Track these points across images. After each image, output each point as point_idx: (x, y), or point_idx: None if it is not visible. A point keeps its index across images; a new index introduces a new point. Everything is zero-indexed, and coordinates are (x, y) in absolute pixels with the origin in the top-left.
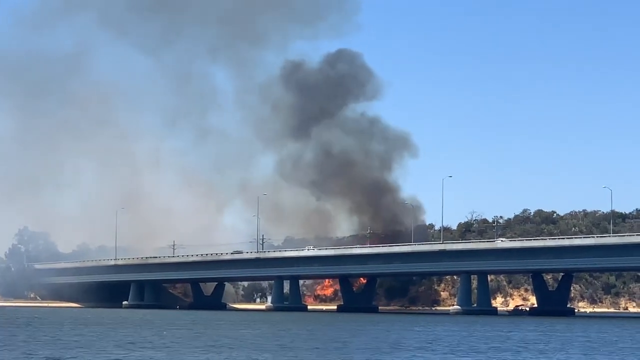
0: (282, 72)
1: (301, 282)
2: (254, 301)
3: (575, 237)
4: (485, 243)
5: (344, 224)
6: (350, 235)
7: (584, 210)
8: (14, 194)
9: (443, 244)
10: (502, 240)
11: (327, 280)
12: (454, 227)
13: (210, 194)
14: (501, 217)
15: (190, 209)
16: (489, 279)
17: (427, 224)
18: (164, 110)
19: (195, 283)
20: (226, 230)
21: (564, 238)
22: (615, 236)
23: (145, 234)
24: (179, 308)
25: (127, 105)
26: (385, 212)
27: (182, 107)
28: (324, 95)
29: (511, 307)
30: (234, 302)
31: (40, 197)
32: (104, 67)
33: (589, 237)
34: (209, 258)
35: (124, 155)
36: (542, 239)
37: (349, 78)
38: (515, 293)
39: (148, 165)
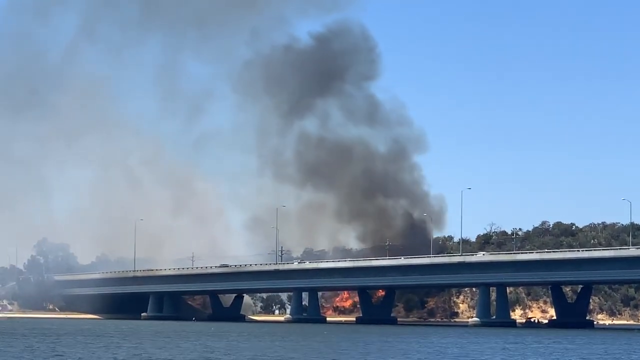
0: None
1: (320, 293)
2: (273, 313)
3: (595, 250)
4: (504, 255)
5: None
6: (368, 247)
7: (603, 223)
8: (31, 204)
9: (462, 256)
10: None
11: (345, 292)
12: (473, 239)
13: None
14: (520, 229)
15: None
16: (507, 291)
17: (446, 235)
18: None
19: (213, 295)
20: (244, 241)
21: (583, 250)
22: (635, 248)
23: (164, 245)
24: (195, 320)
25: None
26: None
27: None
28: None
29: (524, 319)
30: (253, 314)
31: (58, 208)
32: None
33: (608, 249)
34: (227, 270)
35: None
36: (561, 251)
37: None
38: (534, 305)
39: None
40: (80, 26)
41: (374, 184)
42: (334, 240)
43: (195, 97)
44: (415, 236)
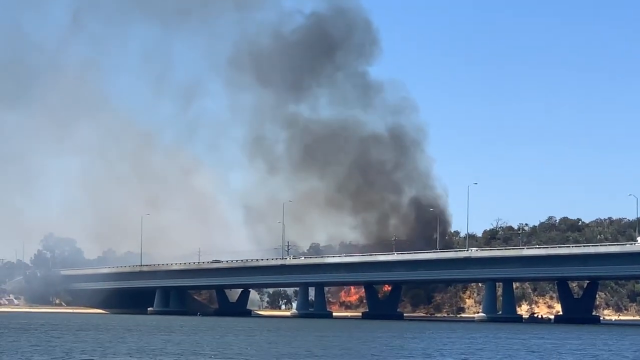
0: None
1: (326, 288)
2: (279, 308)
3: (601, 245)
4: (511, 250)
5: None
6: (375, 243)
7: (609, 218)
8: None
9: (468, 252)
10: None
11: (352, 287)
12: (479, 234)
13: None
14: (526, 224)
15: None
16: (514, 286)
17: (452, 230)
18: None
19: (220, 290)
20: (249, 236)
21: (589, 246)
22: None
23: (170, 240)
24: (200, 315)
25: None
26: (410, 219)
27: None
28: None
29: (526, 314)
30: (259, 309)
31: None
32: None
33: (615, 244)
34: (234, 264)
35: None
36: (567, 247)
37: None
38: (540, 300)
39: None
40: (69, 15)
41: (371, 173)
42: (334, 233)
43: (186, 84)
44: (421, 231)
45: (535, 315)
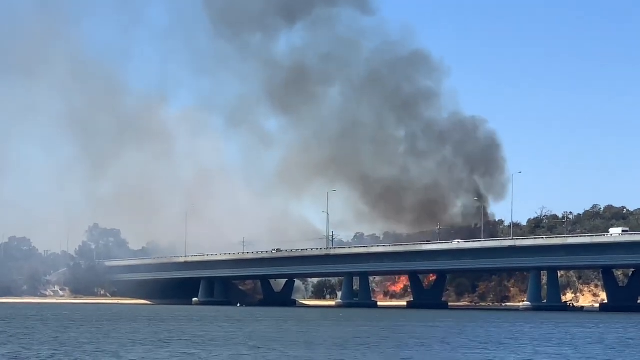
0: None
1: (371, 278)
2: (324, 298)
3: None
4: (555, 239)
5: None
6: (419, 232)
7: None
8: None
9: (513, 240)
10: (620, 232)
11: (397, 276)
12: (524, 223)
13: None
14: (571, 212)
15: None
16: (558, 275)
17: (497, 219)
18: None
19: (265, 280)
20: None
21: (634, 234)
22: None
23: (215, 230)
24: (241, 305)
25: None
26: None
27: None
28: None
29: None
30: (304, 299)
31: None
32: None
33: None
34: (278, 254)
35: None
36: (612, 235)
37: None
38: (585, 289)
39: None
40: None
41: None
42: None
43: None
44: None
45: (569, 303)
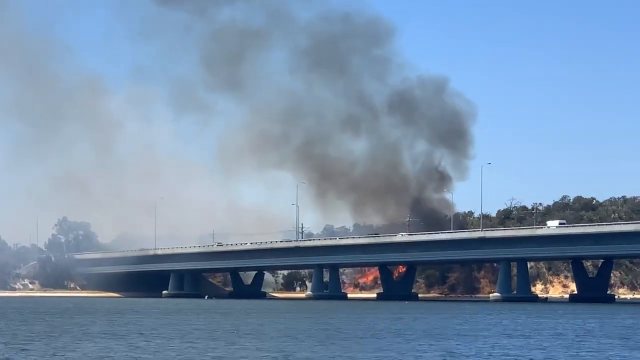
0: None
1: (341, 270)
2: (294, 290)
3: (615, 224)
4: (525, 230)
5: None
6: (389, 224)
7: (623, 197)
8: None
9: (483, 232)
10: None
11: (366, 268)
12: (493, 214)
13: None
14: (540, 204)
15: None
16: (528, 266)
17: (466, 211)
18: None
19: (234, 272)
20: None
21: (603, 224)
22: None
23: (184, 223)
24: (208, 298)
25: None
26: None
27: None
28: None
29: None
30: (274, 291)
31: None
32: None
33: (629, 223)
34: (248, 247)
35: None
36: (581, 226)
37: None
38: (555, 280)
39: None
40: None
41: None
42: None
43: None
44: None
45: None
